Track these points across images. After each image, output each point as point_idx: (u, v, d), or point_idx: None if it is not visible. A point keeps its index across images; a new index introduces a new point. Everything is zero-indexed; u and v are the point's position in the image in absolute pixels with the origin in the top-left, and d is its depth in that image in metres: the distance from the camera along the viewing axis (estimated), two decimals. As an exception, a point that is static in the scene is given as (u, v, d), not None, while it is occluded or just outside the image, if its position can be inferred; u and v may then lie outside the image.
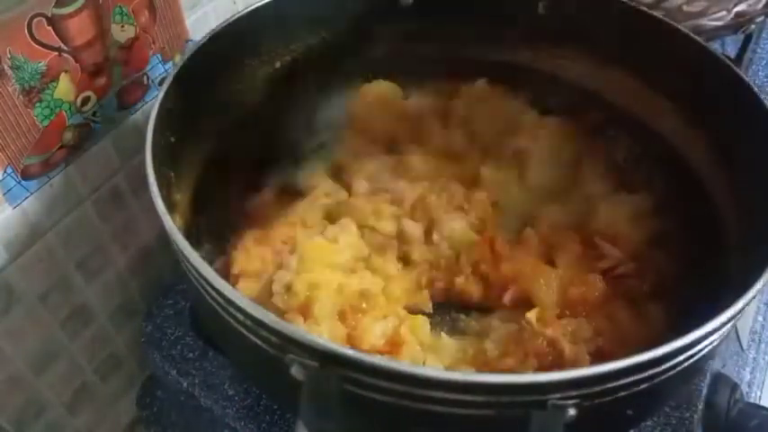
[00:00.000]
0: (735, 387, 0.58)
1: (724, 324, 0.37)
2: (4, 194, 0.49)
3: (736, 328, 0.71)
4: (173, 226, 0.40)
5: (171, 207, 0.43)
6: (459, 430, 0.37)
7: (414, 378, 0.33)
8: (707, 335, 0.36)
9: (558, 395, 0.33)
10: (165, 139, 0.48)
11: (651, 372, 0.36)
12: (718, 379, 0.59)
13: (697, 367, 0.40)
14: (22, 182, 0.50)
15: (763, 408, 0.58)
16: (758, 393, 0.73)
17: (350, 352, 0.33)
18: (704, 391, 0.55)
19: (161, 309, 0.62)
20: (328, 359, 0.34)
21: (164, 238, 0.67)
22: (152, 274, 0.68)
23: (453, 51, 0.70)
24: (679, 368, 0.37)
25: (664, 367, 0.36)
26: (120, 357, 0.68)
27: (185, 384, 0.56)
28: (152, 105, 0.47)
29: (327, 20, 0.65)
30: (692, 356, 0.38)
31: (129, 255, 0.64)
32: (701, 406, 0.54)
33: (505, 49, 0.68)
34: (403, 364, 0.34)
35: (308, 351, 0.34)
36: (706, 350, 0.39)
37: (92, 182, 0.57)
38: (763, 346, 0.75)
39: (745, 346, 0.73)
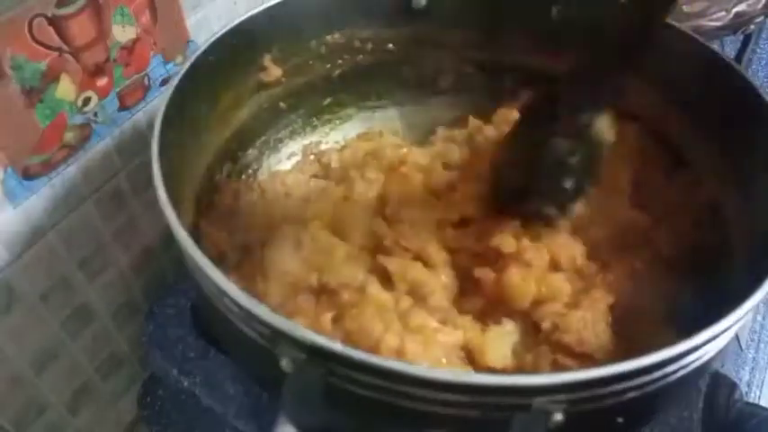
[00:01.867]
0: (734, 387, 0.58)
1: (718, 335, 0.36)
2: (6, 194, 0.50)
3: (735, 328, 0.71)
4: (175, 219, 0.41)
5: (175, 202, 0.43)
6: (439, 428, 0.37)
7: (398, 375, 0.33)
8: (699, 346, 0.36)
9: (543, 398, 0.33)
10: (171, 134, 0.48)
11: (641, 380, 0.35)
12: (718, 379, 0.59)
13: (691, 377, 0.39)
14: (24, 182, 0.51)
15: (762, 408, 0.58)
16: (758, 393, 0.73)
17: (337, 346, 0.34)
18: (704, 391, 0.55)
19: (162, 308, 0.62)
20: (315, 352, 0.34)
21: (165, 238, 0.67)
22: (153, 274, 0.68)
23: (465, 56, 0.70)
24: (671, 378, 0.37)
25: (654, 376, 0.36)
26: (121, 357, 0.68)
27: (186, 384, 0.56)
28: (155, 104, 0.47)
29: (338, 21, 0.65)
30: (684, 366, 0.37)
31: (130, 254, 0.65)
32: (700, 406, 0.54)
33: (518, 54, 0.68)
34: (388, 360, 0.33)
35: (296, 344, 0.34)
36: (700, 361, 0.39)
37: (93, 182, 0.57)
38: (762, 345, 0.76)
39: (744, 346, 0.73)
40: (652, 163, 0.62)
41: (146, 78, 0.59)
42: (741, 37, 0.80)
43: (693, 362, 0.38)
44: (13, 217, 0.51)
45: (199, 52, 0.53)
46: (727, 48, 0.86)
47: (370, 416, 0.38)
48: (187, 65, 0.51)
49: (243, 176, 0.65)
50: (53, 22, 0.48)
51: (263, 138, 0.68)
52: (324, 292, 0.53)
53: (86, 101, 0.53)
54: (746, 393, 0.70)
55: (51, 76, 0.49)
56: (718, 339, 0.37)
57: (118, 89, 0.56)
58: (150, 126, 0.47)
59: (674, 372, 0.37)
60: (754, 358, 0.74)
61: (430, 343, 0.48)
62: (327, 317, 0.51)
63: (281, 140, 0.70)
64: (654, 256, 0.56)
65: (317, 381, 0.34)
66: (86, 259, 0.59)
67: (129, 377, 0.70)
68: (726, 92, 0.53)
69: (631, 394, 0.36)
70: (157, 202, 0.42)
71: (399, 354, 0.47)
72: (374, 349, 0.48)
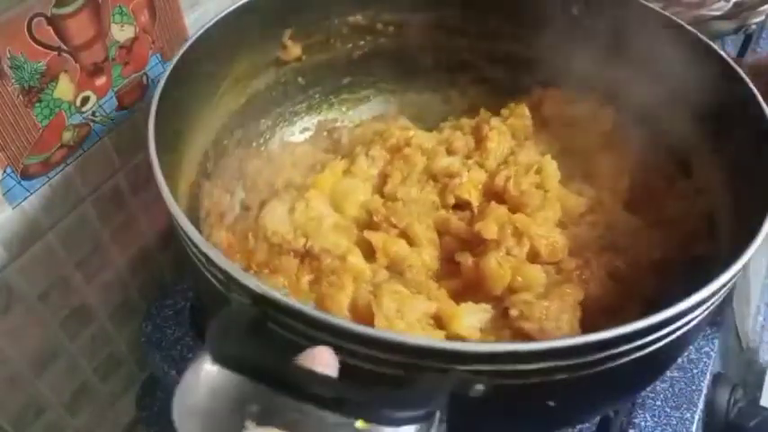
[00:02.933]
0: (735, 387, 0.58)
1: (654, 327, 0.35)
2: (4, 194, 0.49)
3: (736, 328, 0.71)
4: (178, 211, 0.40)
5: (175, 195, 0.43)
6: (360, 382, 0.37)
7: (319, 323, 0.34)
8: (651, 330, 0.34)
9: (463, 366, 0.33)
10: (167, 127, 0.48)
11: (564, 362, 0.34)
12: (718, 379, 0.59)
13: (627, 371, 0.37)
14: (22, 182, 0.50)
15: (763, 408, 0.58)
16: (758, 393, 0.73)
17: (265, 289, 0.35)
18: (704, 391, 0.55)
19: (161, 309, 0.62)
20: (258, 299, 0.35)
21: (163, 238, 0.67)
22: (152, 274, 0.68)
23: (486, 47, 0.70)
24: (602, 367, 0.35)
25: (580, 360, 0.34)
26: (119, 357, 0.68)
27: (185, 384, 0.56)
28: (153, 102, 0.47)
29: (361, 2, 0.66)
30: (614, 357, 0.35)
31: (128, 255, 0.64)
32: (700, 406, 0.54)
33: (538, 50, 0.67)
34: (310, 308, 0.35)
35: (241, 288, 0.36)
36: (637, 354, 0.36)
37: (91, 182, 0.57)
38: (763, 345, 0.76)
39: (744, 347, 0.73)
40: (655, 170, 0.61)
41: (144, 77, 0.59)
42: (742, 36, 0.81)
43: (629, 352, 0.36)
44: (12, 217, 0.51)
45: (195, 36, 0.53)
46: (728, 48, 0.86)
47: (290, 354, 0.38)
48: (181, 51, 0.52)
49: (254, 144, 0.66)
50: (52, 21, 0.48)
51: (279, 109, 0.68)
52: (307, 257, 0.55)
53: (85, 100, 0.53)
54: (747, 394, 0.70)
55: (50, 76, 0.49)
56: (657, 333, 0.36)
57: (116, 88, 0.56)
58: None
59: (605, 360, 0.35)
60: (754, 358, 0.74)
61: (404, 306, 0.49)
62: (306, 279, 0.53)
63: (296, 113, 0.70)
64: (638, 260, 0.56)
65: (243, 315, 0.35)
66: (85, 260, 0.59)
67: (128, 378, 0.69)
68: (729, 97, 0.52)
69: (559, 376, 0.35)
70: (155, 201, 0.42)
71: (369, 314, 0.48)
72: (346, 310, 0.50)
